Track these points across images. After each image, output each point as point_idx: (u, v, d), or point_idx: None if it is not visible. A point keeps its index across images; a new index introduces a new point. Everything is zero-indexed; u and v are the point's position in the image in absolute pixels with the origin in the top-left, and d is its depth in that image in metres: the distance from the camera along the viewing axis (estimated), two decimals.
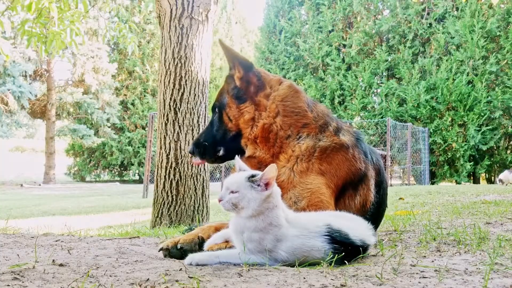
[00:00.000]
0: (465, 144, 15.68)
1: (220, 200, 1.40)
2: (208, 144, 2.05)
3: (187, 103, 4.05)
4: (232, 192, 1.39)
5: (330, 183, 1.85)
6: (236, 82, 2.01)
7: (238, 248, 1.43)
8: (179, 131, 4.02)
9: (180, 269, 1.32)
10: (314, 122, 1.96)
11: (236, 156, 1.70)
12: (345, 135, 1.98)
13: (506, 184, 9.54)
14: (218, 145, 2.04)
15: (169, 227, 3.74)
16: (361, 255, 1.48)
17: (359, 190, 1.96)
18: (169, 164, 4.00)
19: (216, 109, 2.06)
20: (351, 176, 1.92)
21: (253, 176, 1.39)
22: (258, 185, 1.38)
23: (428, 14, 17.51)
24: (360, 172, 1.94)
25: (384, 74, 18.71)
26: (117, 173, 28.02)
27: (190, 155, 2.17)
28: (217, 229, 1.72)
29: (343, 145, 1.93)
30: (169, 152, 4.01)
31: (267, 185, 1.38)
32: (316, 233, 1.40)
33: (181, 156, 4.00)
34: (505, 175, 9.92)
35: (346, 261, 1.39)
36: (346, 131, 2.02)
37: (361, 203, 1.96)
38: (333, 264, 1.35)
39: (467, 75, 15.87)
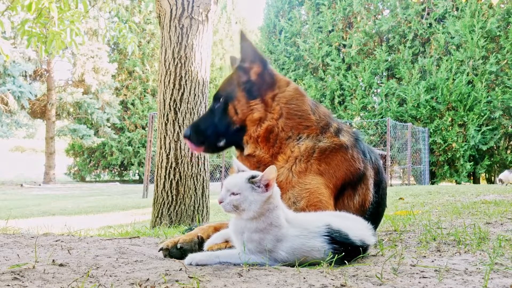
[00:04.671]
0: (465, 144, 15.68)
1: (220, 202, 1.39)
2: (210, 133, 2.00)
3: (187, 103, 4.05)
4: (233, 194, 1.38)
5: (329, 183, 1.85)
6: (251, 76, 1.98)
7: (238, 248, 1.43)
8: (179, 131, 4.02)
9: (180, 269, 1.32)
10: (315, 124, 1.95)
11: (234, 157, 1.69)
12: (344, 136, 1.98)
13: (506, 184, 9.53)
14: (220, 135, 1.99)
15: (169, 227, 3.74)
16: (361, 255, 1.48)
17: (358, 190, 1.96)
18: (169, 164, 4.00)
19: (221, 99, 2.00)
20: (350, 176, 1.92)
21: (253, 177, 1.38)
22: (259, 186, 1.37)
23: (428, 14, 17.51)
24: (359, 172, 1.94)
25: (384, 74, 18.71)
26: (117, 173, 28.03)
27: (184, 139, 2.07)
28: (216, 229, 1.72)
29: (343, 146, 1.93)
30: (169, 152, 4.01)
31: (267, 186, 1.37)
32: (316, 233, 1.40)
33: (181, 156, 4.00)
34: (505, 175, 9.91)
35: (346, 261, 1.39)
36: (346, 132, 2.02)
37: (360, 203, 1.96)
38: (333, 264, 1.35)
39: (467, 75, 15.86)
